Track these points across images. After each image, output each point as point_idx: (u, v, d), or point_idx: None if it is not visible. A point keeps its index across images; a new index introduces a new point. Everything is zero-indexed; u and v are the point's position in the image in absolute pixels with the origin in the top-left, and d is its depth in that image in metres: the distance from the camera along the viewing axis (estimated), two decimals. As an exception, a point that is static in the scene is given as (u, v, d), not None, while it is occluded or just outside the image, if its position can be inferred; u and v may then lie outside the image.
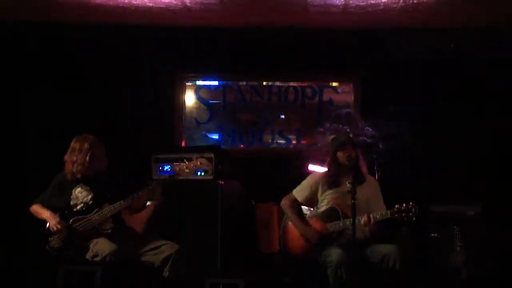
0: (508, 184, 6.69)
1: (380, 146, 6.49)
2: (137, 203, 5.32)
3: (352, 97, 7.29)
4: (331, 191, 5.51)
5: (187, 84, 7.39)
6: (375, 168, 6.47)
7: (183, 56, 7.19)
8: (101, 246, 5.13)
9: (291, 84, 7.37)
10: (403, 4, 6.18)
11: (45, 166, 5.71)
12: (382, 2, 6.13)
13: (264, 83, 7.41)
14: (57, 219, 5.20)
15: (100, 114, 6.95)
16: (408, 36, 6.82)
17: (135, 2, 6.23)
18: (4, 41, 6.94)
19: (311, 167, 6.30)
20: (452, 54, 6.90)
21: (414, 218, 5.08)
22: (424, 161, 6.78)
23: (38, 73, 7.06)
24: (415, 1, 6.10)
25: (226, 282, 5.48)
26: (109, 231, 5.26)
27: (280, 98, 7.36)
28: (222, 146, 6.94)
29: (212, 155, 6.10)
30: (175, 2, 6.24)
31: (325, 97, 7.34)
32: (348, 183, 5.09)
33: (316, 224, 5.42)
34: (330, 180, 5.53)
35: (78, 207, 5.32)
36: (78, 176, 5.34)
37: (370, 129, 6.43)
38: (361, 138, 6.36)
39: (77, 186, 5.37)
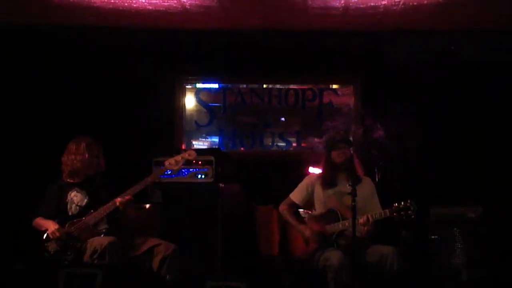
0: (509, 186, 6.69)
1: (380, 148, 6.50)
2: (131, 209, 5.32)
3: (353, 100, 7.30)
4: (327, 192, 5.51)
5: (187, 87, 7.39)
6: (375, 170, 6.47)
7: (183, 59, 7.19)
8: (98, 241, 5.13)
9: (291, 86, 7.38)
10: (403, 7, 6.18)
11: (45, 168, 5.72)
12: (382, 4, 6.13)
13: (264, 85, 7.42)
14: (56, 226, 5.21)
15: (100, 117, 6.95)
16: (408, 38, 6.81)
17: (135, 5, 6.24)
18: (2, 43, 6.94)
19: (312, 169, 6.29)
20: (452, 56, 6.91)
21: (413, 216, 5.08)
22: (424, 163, 6.78)
23: (37, 75, 7.06)
24: (415, 4, 6.10)
25: (226, 285, 5.47)
26: (104, 231, 5.26)
27: (280, 100, 7.37)
28: (222, 149, 6.95)
29: (212, 158, 6.11)
30: (175, 5, 6.24)
31: (326, 99, 7.35)
32: (349, 185, 5.09)
33: (315, 226, 5.42)
34: (326, 181, 5.53)
35: (74, 211, 5.33)
36: (76, 176, 5.34)
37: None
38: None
39: (72, 190, 5.38)
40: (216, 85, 7.45)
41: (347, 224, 5.20)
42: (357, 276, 5.05)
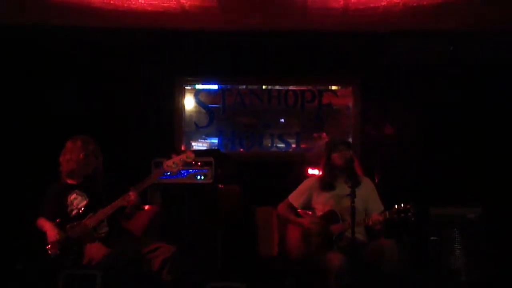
0: (508, 187, 6.69)
1: (380, 149, 6.51)
2: (129, 203, 5.28)
3: (352, 101, 7.29)
4: (327, 194, 5.49)
5: (186, 88, 7.39)
6: (375, 171, 6.47)
7: (183, 60, 7.19)
8: (95, 251, 5.11)
9: (291, 87, 7.38)
10: (402, 7, 6.19)
11: (45, 168, 5.70)
12: (381, 5, 6.13)
13: (264, 86, 7.41)
14: (56, 230, 5.19)
15: (100, 118, 6.94)
16: (407, 39, 6.82)
17: (134, 6, 6.23)
18: (3, 44, 6.93)
19: (311, 170, 6.29)
20: (452, 57, 6.91)
21: (413, 218, 5.07)
22: (424, 164, 6.78)
23: (36, 76, 7.06)
24: (414, 4, 6.10)
25: (226, 286, 5.46)
26: (103, 235, 5.24)
27: (279, 101, 7.36)
28: (221, 150, 6.95)
29: (211, 159, 6.10)
30: (174, 6, 6.24)
31: (325, 100, 7.35)
32: (348, 186, 5.08)
33: (316, 224, 5.41)
34: (325, 183, 5.52)
35: (74, 213, 5.31)
36: (74, 176, 5.33)
37: None
38: None
39: (73, 192, 5.36)
40: (215, 86, 7.44)
41: (347, 225, 5.18)
42: (358, 278, 5.04)
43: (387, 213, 5.15)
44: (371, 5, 6.14)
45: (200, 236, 5.92)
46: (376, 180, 6.46)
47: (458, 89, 6.97)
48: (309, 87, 7.37)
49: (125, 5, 6.20)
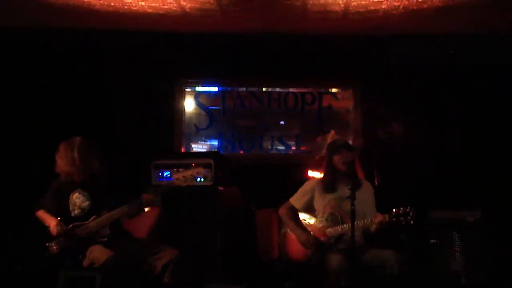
0: (508, 190, 6.69)
1: (380, 151, 6.51)
2: (133, 210, 5.30)
3: (352, 103, 7.30)
4: (327, 196, 5.49)
5: (186, 90, 7.39)
6: (375, 173, 6.48)
7: (183, 62, 7.19)
8: (97, 254, 5.10)
9: (291, 90, 7.38)
10: (403, 11, 6.19)
11: (45, 170, 5.71)
12: (382, 8, 6.14)
13: (264, 89, 7.41)
14: (57, 221, 5.18)
15: (99, 119, 6.95)
16: (408, 42, 6.82)
17: (134, 8, 6.24)
18: (4, 46, 6.94)
19: (311, 173, 6.29)
20: (452, 60, 6.92)
21: (412, 222, 5.07)
22: (423, 167, 6.78)
23: (36, 77, 7.06)
24: (415, 8, 6.11)
25: (226, 288, 5.49)
26: (106, 239, 5.24)
27: (279, 104, 7.37)
28: (221, 152, 6.95)
29: (211, 161, 6.10)
30: (174, 8, 6.24)
31: (325, 103, 7.35)
32: (348, 188, 5.08)
33: (315, 230, 5.42)
34: (326, 186, 5.52)
35: (76, 213, 5.31)
36: (72, 176, 5.33)
37: None
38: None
39: (75, 191, 5.35)
40: (215, 88, 7.45)
41: (347, 228, 5.19)
42: (356, 280, 5.04)
43: (386, 216, 5.14)
44: (371, 8, 6.14)
45: (200, 238, 5.92)
46: (376, 183, 6.46)
47: (458, 92, 6.98)
48: (309, 90, 7.36)
49: (126, 7, 6.21)
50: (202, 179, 6.08)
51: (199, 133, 7.41)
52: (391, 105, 6.75)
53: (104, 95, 7.09)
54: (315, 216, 5.54)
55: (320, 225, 5.43)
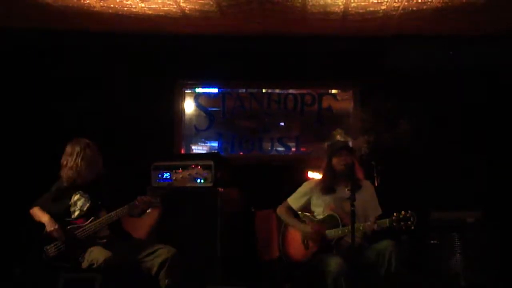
0: (508, 191, 6.69)
1: (379, 152, 6.50)
2: (135, 211, 5.30)
3: (352, 104, 7.31)
4: (326, 197, 5.49)
5: (186, 91, 7.40)
6: (375, 175, 6.47)
7: (183, 64, 7.20)
8: (95, 255, 5.09)
9: (291, 91, 7.38)
10: (402, 12, 6.20)
11: (46, 173, 5.71)
12: (381, 9, 6.14)
13: (264, 90, 7.42)
14: (56, 226, 5.18)
15: (99, 121, 6.95)
16: (407, 43, 6.83)
17: (134, 10, 6.25)
18: (5, 48, 6.95)
19: (310, 174, 6.29)
20: (451, 62, 6.92)
21: (412, 227, 5.07)
22: (423, 168, 6.78)
23: (36, 78, 7.07)
24: (414, 9, 6.11)
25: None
26: (105, 240, 5.23)
27: (279, 105, 7.37)
28: (221, 154, 6.95)
29: (211, 163, 6.11)
30: (174, 10, 6.25)
31: (325, 104, 7.35)
32: (347, 190, 5.08)
33: (316, 226, 5.41)
34: (325, 187, 5.52)
35: (76, 214, 5.31)
36: (75, 180, 5.32)
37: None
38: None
39: (76, 193, 5.35)
40: (215, 90, 7.45)
41: (346, 230, 5.19)
42: (357, 283, 5.04)
43: (387, 221, 5.14)
44: (371, 9, 6.15)
45: (199, 239, 5.92)
46: (376, 184, 6.46)
47: (458, 93, 6.98)
48: (309, 91, 7.37)
49: (125, 8, 6.21)
50: (202, 180, 6.09)
51: (199, 135, 7.42)
52: (390, 106, 6.74)
53: (103, 96, 7.09)
54: (314, 217, 5.54)
55: (320, 224, 5.43)
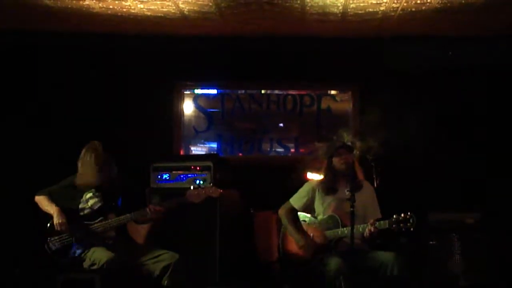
0: (507, 192, 6.69)
1: (379, 154, 6.50)
2: (142, 218, 5.31)
3: (351, 105, 7.30)
4: (328, 198, 5.49)
5: (185, 92, 7.39)
6: (374, 176, 6.46)
7: (182, 65, 7.19)
8: (98, 255, 5.11)
9: (290, 92, 7.38)
10: (401, 12, 6.20)
11: (46, 174, 5.71)
12: (380, 10, 6.14)
13: (263, 91, 7.42)
14: (64, 219, 5.18)
15: (98, 122, 6.94)
16: (406, 43, 6.83)
17: (133, 11, 6.24)
18: (3, 49, 6.95)
19: (310, 175, 6.29)
20: (451, 63, 6.92)
21: (412, 229, 5.06)
22: (423, 169, 6.78)
23: (36, 80, 7.07)
24: (413, 9, 6.11)
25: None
26: (110, 241, 5.24)
27: (278, 106, 7.37)
28: (220, 155, 6.95)
29: (210, 164, 6.10)
30: (173, 11, 6.24)
31: (324, 105, 7.35)
32: (347, 191, 5.08)
33: (315, 232, 5.41)
34: (327, 187, 5.51)
35: (86, 212, 5.31)
36: (88, 183, 5.33)
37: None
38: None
39: (89, 191, 5.35)
40: (214, 91, 7.45)
41: (346, 231, 5.19)
42: (356, 283, 5.03)
43: (386, 222, 5.14)
44: (370, 10, 6.15)
45: (199, 240, 5.92)
46: (376, 185, 6.45)
47: (457, 93, 6.98)
48: (308, 92, 7.37)
49: (124, 10, 6.21)
50: (201, 182, 6.08)
51: (198, 136, 7.41)
52: (390, 107, 6.74)
53: (103, 97, 7.09)
54: (315, 217, 5.54)
55: (320, 228, 5.42)
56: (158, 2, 6.00)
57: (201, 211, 5.98)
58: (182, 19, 6.45)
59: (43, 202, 5.31)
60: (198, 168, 6.13)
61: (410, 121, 6.75)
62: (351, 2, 5.93)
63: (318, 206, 5.54)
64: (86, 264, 5.16)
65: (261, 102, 7.38)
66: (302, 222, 5.57)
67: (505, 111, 6.95)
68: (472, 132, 6.91)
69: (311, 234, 5.41)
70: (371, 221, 5.20)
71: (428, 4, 5.95)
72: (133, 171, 6.37)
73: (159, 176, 6.22)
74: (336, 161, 5.47)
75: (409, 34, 6.86)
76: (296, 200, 5.61)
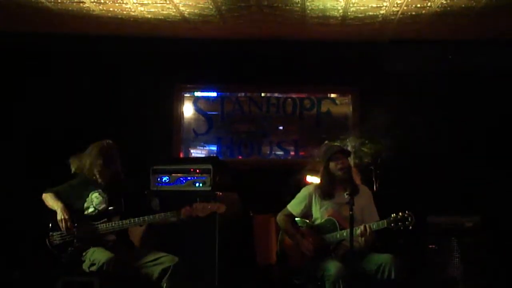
0: (507, 195, 6.69)
1: (378, 157, 6.50)
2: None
3: (351, 109, 7.31)
4: (325, 202, 5.48)
5: (185, 95, 7.39)
6: (373, 179, 6.47)
7: (182, 67, 7.20)
8: (97, 255, 5.11)
9: (290, 95, 7.38)
10: (401, 16, 6.20)
11: (47, 175, 5.71)
12: (380, 14, 6.14)
13: (263, 94, 7.42)
14: (67, 216, 5.18)
15: (98, 124, 6.94)
16: (406, 47, 6.84)
17: (133, 14, 6.25)
18: (4, 51, 6.96)
19: (309, 178, 6.29)
20: (450, 66, 6.92)
21: (410, 227, 5.07)
22: (422, 172, 6.78)
23: (35, 82, 7.07)
24: (413, 13, 6.12)
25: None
26: (111, 243, 5.25)
27: (278, 109, 7.37)
28: (220, 157, 6.95)
29: (210, 167, 6.10)
30: (173, 14, 6.25)
31: (324, 108, 7.36)
32: (346, 194, 5.07)
33: (314, 236, 5.41)
34: (324, 192, 5.50)
35: (90, 211, 5.31)
36: (97, 177, 5.33)
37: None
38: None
39: (96, 191, 5.35)
40: (214, 94, 7.45)
41: (345, 234, 5.19)
42: (355, 286, 5.03)
43: (385, 221, 5.14)
44: (370, 14, 6.15)
45: (198, 243, 5.91)
46: (375, 188, 6.46)
47: (457, 97, 6.98)
48: (308, 95, 7.37)
49: (125, 12, 6.21)
50: (201, 184, 6.08)
51: (198, 138, 7.41)
52: (389, 110, 6.75)
53: (102, 99, 7.09)
54: (313, 222, 5.54)
55: (318, 232, 5.42)
56: (159, 5, 6.01)
57: (200, 213, 5.98)
58: (182, 21, 6.46)
59: (49, 198, 5.33)
60: (197, 171, 6.13)
61: (409, 125, 6.76)
62: (351, 5, 5.93)
63: (315, 211, 5.53)
64: (85, 265, 5.16)
65: (261, 105, 7.38)
66: (300, 227, 5.57)
67: (506, 114, 6.94)
68: (471, 136, 6.91)
69: (310, 239, 5.41)
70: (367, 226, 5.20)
71: (428, 8, 5.96)
72: (132, 173, 6.40)
73: (158, 179, 6.21)
74: (333, 165, 5.46)
75: (409, 37, 6.86)
76: (294, 206, 5.61)
